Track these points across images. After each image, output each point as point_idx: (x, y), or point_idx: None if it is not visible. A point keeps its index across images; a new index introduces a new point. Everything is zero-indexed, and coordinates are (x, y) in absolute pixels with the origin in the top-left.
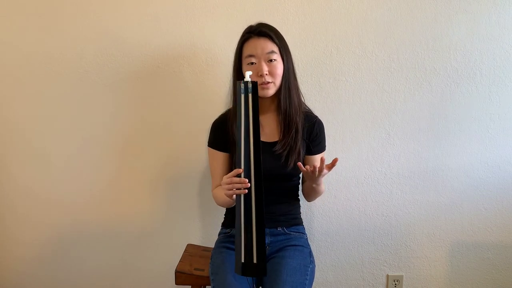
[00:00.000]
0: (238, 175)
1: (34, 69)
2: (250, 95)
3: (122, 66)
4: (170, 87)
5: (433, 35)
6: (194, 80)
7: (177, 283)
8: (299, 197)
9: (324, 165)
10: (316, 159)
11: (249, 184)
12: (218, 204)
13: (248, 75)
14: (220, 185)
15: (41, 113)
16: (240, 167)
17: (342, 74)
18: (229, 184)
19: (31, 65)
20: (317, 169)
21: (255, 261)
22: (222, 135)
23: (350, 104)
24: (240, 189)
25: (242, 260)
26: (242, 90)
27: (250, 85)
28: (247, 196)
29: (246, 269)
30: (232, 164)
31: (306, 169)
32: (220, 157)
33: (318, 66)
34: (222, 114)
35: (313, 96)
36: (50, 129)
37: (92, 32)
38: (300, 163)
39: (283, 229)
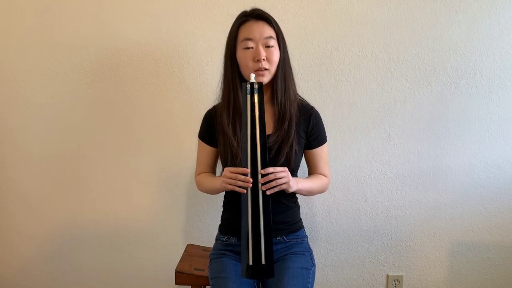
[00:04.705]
0: (244, 174)
1: (34, 69)
2: (256, 95)
3: (122, 66)
4: (170, 87)
5: (433, 35)
6: (194, 80)
7: (177, 283)
8: (297, 199)
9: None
10: (318, 152)
11: (251, 185)
12: (200, 190)
13: (253, 77)
14: (204, 172)
15: (39, 112)
16: (246, 167)
17: (342, 74)
18: (232, 179)
19: (30, 65)
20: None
21: (263, 262)
22: (211, 128)
23: (350, 104)
24: (241, 187)
25: (250, 263)
26: (248, 91)
27: (256, 86)
28: (254, 198)
29: (254, 271)
30: (218, 157)
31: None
32: (208, 150)
33: (318, 66)
34: (214, 105)
35: (313, 96)
36: (49, 128)
37: (92, 31)
38: (263, 170)
39: (282, 238)
